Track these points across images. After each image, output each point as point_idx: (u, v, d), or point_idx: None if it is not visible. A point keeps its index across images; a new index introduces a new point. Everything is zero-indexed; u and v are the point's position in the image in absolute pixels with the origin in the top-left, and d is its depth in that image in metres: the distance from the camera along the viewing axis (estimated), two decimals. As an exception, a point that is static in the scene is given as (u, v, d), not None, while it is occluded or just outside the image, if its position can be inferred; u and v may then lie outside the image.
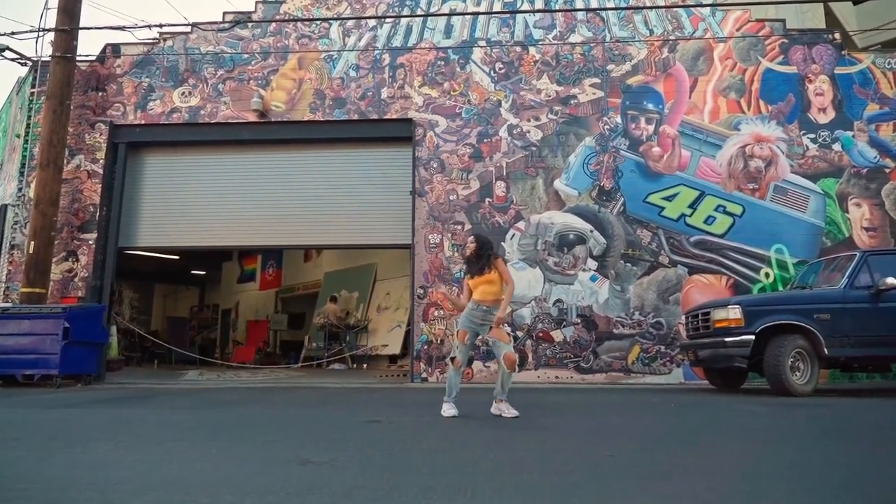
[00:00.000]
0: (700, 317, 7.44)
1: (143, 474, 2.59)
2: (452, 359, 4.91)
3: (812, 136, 9.81)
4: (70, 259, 9.79)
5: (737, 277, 9.40)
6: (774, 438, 3.77)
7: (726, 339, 6.88)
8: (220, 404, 5.94)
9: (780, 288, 9.18)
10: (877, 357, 6.96)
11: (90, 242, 9.85)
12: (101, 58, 10.53)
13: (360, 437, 3.60)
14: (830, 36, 10.27)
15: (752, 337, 6.72)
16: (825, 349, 6.65)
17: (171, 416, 4.91)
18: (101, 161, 10.12)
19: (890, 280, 6.65)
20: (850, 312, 6.75)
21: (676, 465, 2.86)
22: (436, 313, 9.43)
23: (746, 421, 4.63)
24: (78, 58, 10.09)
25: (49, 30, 9.76)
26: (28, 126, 10.25)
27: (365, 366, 13.14)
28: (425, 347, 9.35)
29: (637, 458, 2.99)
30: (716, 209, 9.62)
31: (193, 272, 21.88)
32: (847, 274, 6.99)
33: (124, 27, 9.92)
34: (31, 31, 9.93)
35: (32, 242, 9.14)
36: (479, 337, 4.98)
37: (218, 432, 3.94)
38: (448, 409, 4.78)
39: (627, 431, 4.08)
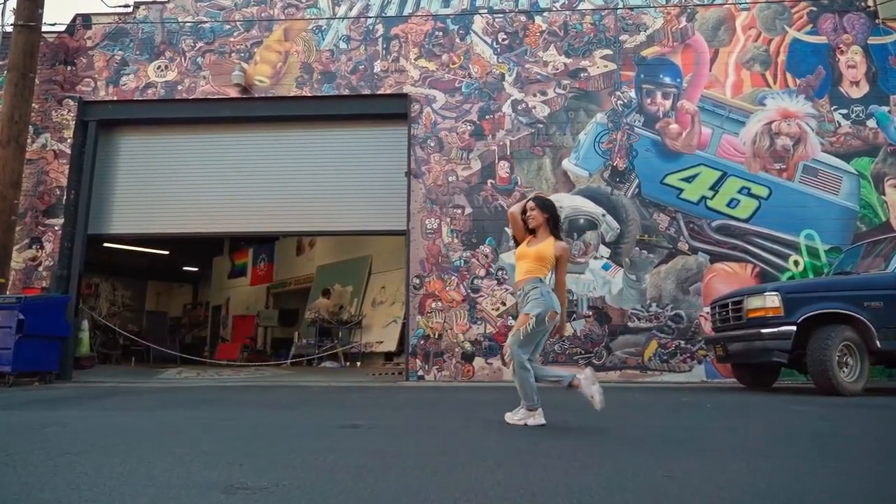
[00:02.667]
0: (730, 306, 6.60)
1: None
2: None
3: (844, 111, 8.95)
4: (34, 246, 8.95)
5: (763, 266, 8.54)
6: (871, 450, 2.92)
7: (763, 331, 6.03)
8: (175, 405, 5.10)
9: (811, 277, 8.33)
10: (935, 351, 6.08)
11: (56, 228, 9.01)
12: (71, 29, 9.70)
13: (326, 449, 2.76)
14: (863, 3, 9.41)
15: (794, 328, 5.87)
16: (877, 342, 5.81)
17: (102, 419, 4.07)
18: (69, 140, 9.28)
19: (952, 263, 5.81)
20: (905, 300, 5.90)
21: (765, 492, 2.02)
22: (433, 305, 8.58)
23: (816, 426, 3.78)
24: (45, 29, 9.28)
25: (11, -4, 8.93)
26: (-11, 102, 9.40)
27: (359, 363, 12.30)
28: (422, 342, 8.50)
29: (709, 480, 2.15)
30: (740, 191, 8.77)
31: (186, 269, 21.15)
32: (900, 256, 6.14)
33: (94, -6, 9.09)
34: (-8, -1, 9.11)
35: (-10, 227, 8.30)
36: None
37: (145, 440, 3.10)
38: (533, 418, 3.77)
39: (673, 440, 3.23)
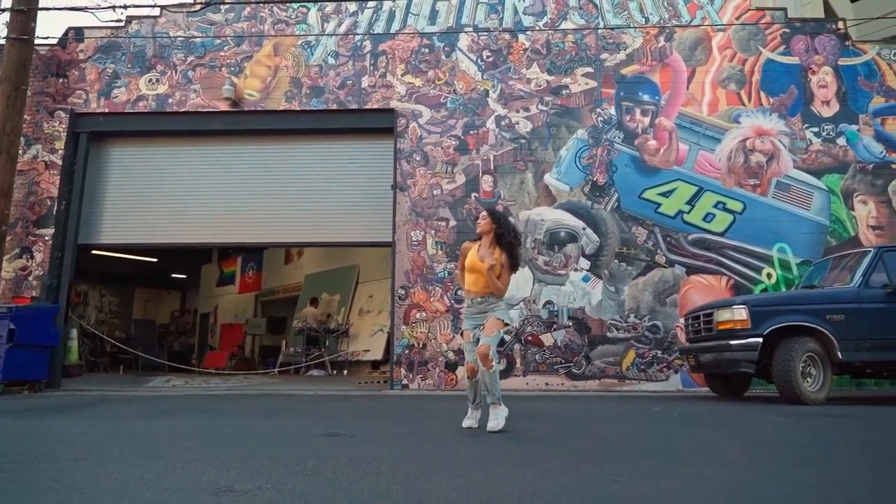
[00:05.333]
0: (702, 318, 6.87)
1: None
2: (466, 364, 4.29)
3: (815, 129, 9.29)
4: (24, 256, 9.08)
5: (737, 278, 8.84)
6: (815, 458, 3.16)
7: (731, 343, 6.30)
8: (162, 414, 5.28)
9: (783, 289, 8.64)
10: (895, 362, 6.38)
11: (47, 238, 9.15)
12: (63, 42, 9.86)
13: (306, 456, 2.97)
14: (834, 26, 9.79)
15: (760, 340, 6.15)
16: (839, 353, 6.09)
17: (93, 428, 4.24)
18: (60, 151, 9.43)
19: (909, 278, 6.12)
20: (865, 313, 6.19)
21: (702, 495, 2.25)
22: (418, 315, 8.80)
23: (771, 435, 4.03)
24: (37, 42, 9.42)
25: (4, 10, 9.10)
26: (-19, 113, 9.53)
27: (346, 372, 12.47)
28: (406, 352, 8.71)
29: (651, 485, 2.38)
30: (715, 206, 9.08)
31: (174, 276, 21.19)
32: (861, 272, 6.44)
33: (87, 8, 9.31)
34: (-15, 12, 9.26)
35: (-19, 237, 8.42)
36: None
37: (136, 448, 3.29)
38: (466, 418, 4.25)
39: (633, 447, 3.47)
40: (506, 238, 4.24)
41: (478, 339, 4.18)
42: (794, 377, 5.95)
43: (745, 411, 5.48)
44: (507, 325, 4.22)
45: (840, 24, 9.81)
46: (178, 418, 4.95)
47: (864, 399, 7.07)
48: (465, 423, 4.22)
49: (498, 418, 4.04)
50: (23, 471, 2.63)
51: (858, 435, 4.07)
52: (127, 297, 21.01)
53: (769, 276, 8.86)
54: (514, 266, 4.31)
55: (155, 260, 18.60)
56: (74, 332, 10.06)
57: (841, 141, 9.25)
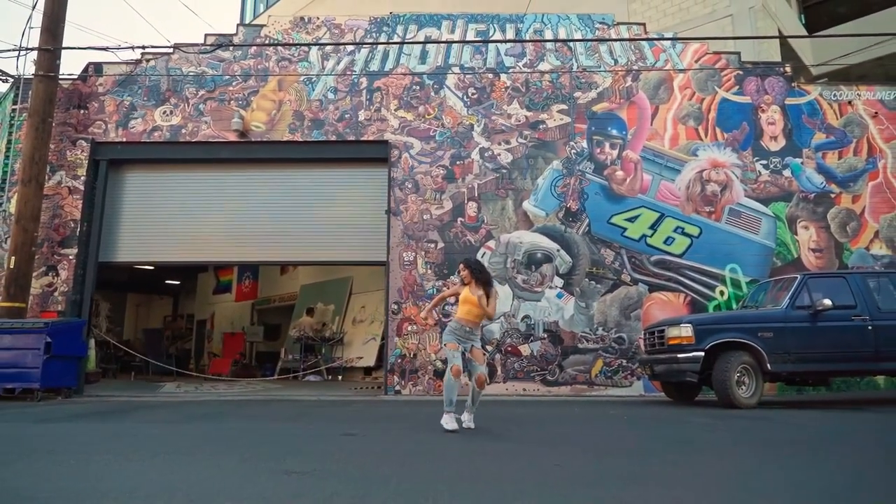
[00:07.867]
0: (656, 334, 7.96)
1: (145, 484, 2.94)
2: (451, 367, 5.05)
3: (764, 162, 10.46)
4: (50, 273, 9.96)
5: (694, 295, 9.97)
6: (710, 449, 4.24)
7: (679, 356, 7.41)
8: (199, 418, 6.24)
9: (734, 305, 9.78)
10: (815, 372, 7.53)
11: (70, 257, 10.03)
12: (84, 76, 10.75)
13: (336, 450, 3.98)
14: (782, 69, 10.97)
15: (702, 353, 7.26)
16: (768, 365, 7.22)
17: (155, 429, 5.22)
18: (82, 177, 10.32)
19: (826, 301, 7.26)
20: (791, 331, 7.33)
21: (615, 474, 3.30)
22: (409, 328, 9.82)
23: (691, 433, 5.11)
24: (60, 76, 10.29)
25: (32, 49, 9.96)
26: (9, 142, 10.41)
27: (340, 377, 13.45)
28: (399, 361, 9.72)
29: (581, 467, 3.42)
30: (675, 230, 10.20)
31: (168, 282, 21.96)
32: (789, 295, 7.57)
33: (107, 48, 10.17)
34: (13, 50, 10.12)
35: (13, 258, 9.29)
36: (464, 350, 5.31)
37: (202, 445, 4.28)
38: (448, 422, 4.90)
39: (580, 442, 4.52)
40: (482, 277, 5.43)
41: (464, 352, 5.27)
42: (730, 385, 7.07)
43: (685, 415, 6.57)
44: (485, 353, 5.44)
45: (787, 68, 11.01)
46: (215, 422, 5.92)
47: (795, 403, 8.21)
48: (451, 426, 4.97)
49: (471, 419, 5.23)
50: (131, 459, 3.61)
51: (758, 434, 5.16)
52: (119, 302, 21.74)
53: (722, 293, 10.01)
54: (491, 285, 5.46)
55: (151, 267, 19.39)
56: (92, 342, 10.91)
57: (787, 172, 10.43)
